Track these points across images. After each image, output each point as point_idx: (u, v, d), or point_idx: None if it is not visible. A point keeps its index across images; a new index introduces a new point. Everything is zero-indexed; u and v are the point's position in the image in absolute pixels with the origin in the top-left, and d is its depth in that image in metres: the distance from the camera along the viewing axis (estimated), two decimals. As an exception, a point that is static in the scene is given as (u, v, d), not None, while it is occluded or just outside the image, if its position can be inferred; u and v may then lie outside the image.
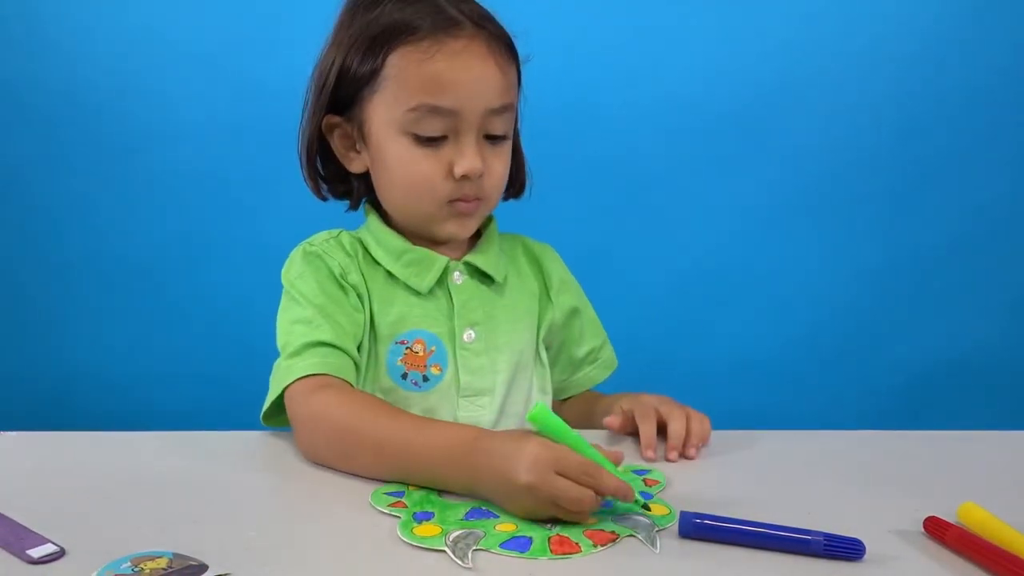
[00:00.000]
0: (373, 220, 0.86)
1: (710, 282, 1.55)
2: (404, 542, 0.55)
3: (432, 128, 0.78)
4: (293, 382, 0.73)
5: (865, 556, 0.52)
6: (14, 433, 0.77)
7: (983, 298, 1.54)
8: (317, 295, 0.80)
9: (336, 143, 0.84)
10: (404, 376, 0.81)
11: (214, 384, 1.44)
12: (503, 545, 0.54)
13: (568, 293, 0.92)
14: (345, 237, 0.86)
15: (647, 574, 0.52)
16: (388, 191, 0.83)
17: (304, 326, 0.78)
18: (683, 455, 0.73)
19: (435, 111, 0.77)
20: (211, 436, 0.78)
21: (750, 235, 1.54)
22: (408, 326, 0.82)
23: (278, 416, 0.77)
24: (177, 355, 1.51)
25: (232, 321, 1.48)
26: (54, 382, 1.52)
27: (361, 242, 0.85)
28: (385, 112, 0.79)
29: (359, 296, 0.82)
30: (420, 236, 0.84)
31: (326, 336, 0.77)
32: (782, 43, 1.48)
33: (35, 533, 0.56)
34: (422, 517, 0.58)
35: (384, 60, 0.78)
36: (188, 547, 0.53)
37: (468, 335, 0.83)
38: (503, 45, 0.81)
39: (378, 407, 0.72)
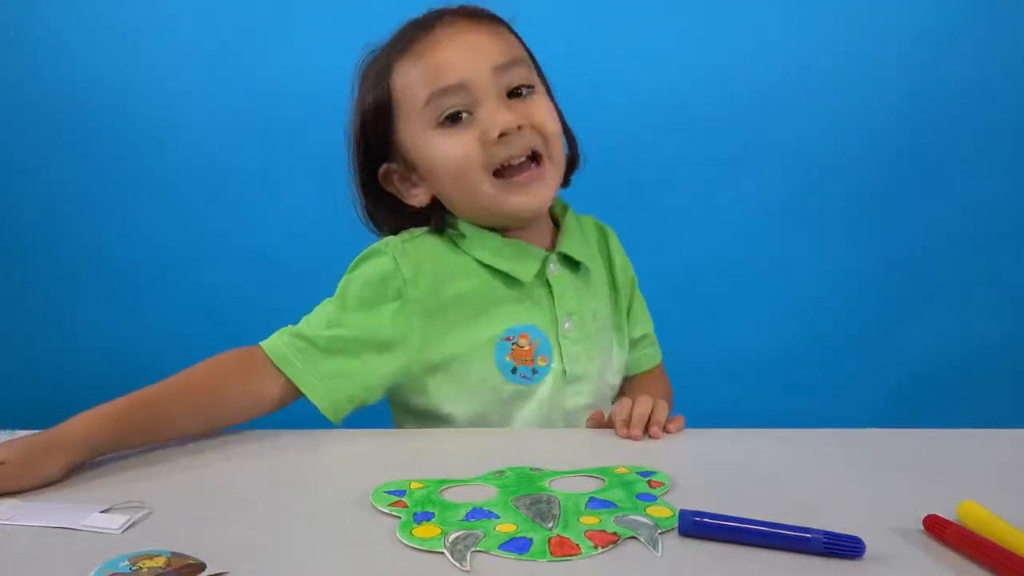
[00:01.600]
0: (464, 225, 0.85)
1: (710, 282, 1.55)
2: (403, 543, 0.54)
3: (450, 105, 0.79)
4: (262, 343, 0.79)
5: (865, 554, 0.52)
6: (15, 433, 0.76)
7: (982, 298, 1.54)
8: (352, 298, 0.81)
9: (398, 188, 0.86)
10: (514, 371, 0.83)
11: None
12: (503, 547, 0.54)
13: (628, 274, 0.97)
14: (428, 239, 0.84)
15: (647, 572, 0.51)
16: (449, 193, 0.83)
17: (319, 317, 0.81)
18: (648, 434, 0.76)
19: (445, 92, 0.78)
20: (210, 435, 0.78)
21: (750, 235, 1.54)
22: (512, 321, 0.83)
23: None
24: (177, 355, 1.51)
25: (232, 321, 1.47)
26: (54, 382, 1.52)
27: (452, 242, 0.85)
28: (411, 127, 0.81)
29: (410, 312, 0.80)
30: (505, 230, 0.85)
31: (320, 337, 0.79)
32: (782, 43, 1.48)
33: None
34: (422, 517, 0.58)
35: (389, 87, 0.82)
36: (186, 546, 0.53)
37: (567, 325, 0.85)
38: (487, 17, 0.83)
39: (192, 371, 0.76)
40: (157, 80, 1.48)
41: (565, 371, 0.85)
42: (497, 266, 0.83)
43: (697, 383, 1.51)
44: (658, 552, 0.54)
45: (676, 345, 1.54)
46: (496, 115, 0.78)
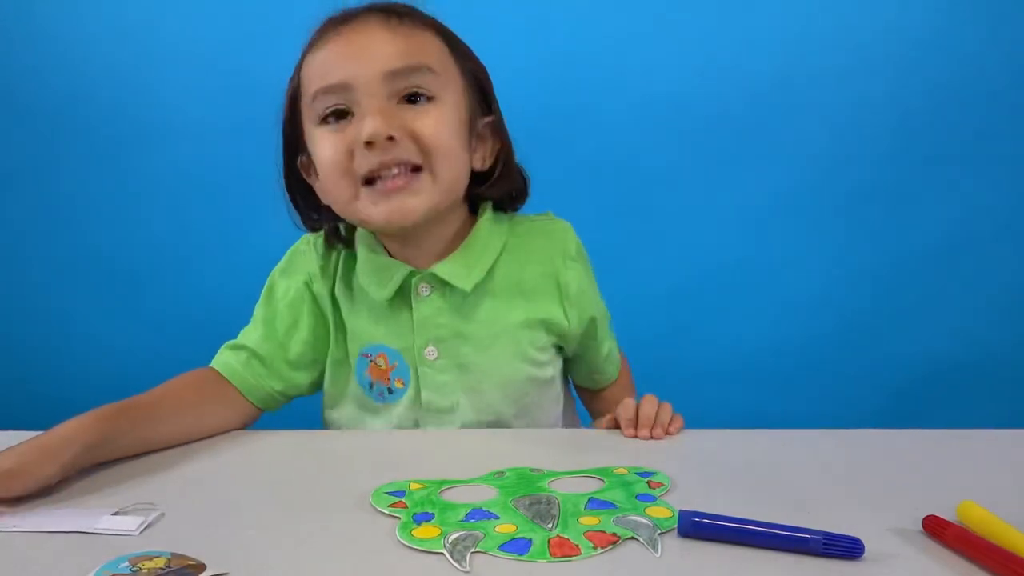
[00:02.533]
0: (360, 233, 0.85)
1: (710, 282, 1.55)
2: (403, 544, 0.55)
3: (328, 104, 0.75)
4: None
5: (864, 555, 0.52)
6: (12, 433, 0.76)
7: (983, 298, 1.54)
8: (273, 298, 0.85)
9: (312, 179, 0.83)
10: (371, 386, 0.83)
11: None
12: (502, 547, 0.54)
13: (586, 301, 0.86)
14: (334, 249, 0.86)
15: (646, 573, 0.51)
16: (326, 192, 0.80)
17: (250, 325, 0.85)
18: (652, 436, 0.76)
19: (327, 90, 0.74)
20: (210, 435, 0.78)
21: (750, 235, 1.54)
22: (373, 339, 0.82)
23: None
24: (175, 355, 1.51)
25: (232, 321, 1.47)
26: (54, 382, 1.52)
27: (352, 253, 0.85)
28: (304, 116, 0.79)
29: (319, 303, 0.84)
30: (392, 240, 0.82)
31: (251, 341, 0.83)
32: (781, 43, 1.48)
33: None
34: (422, 518, 0.58)
35: (299, 77, 0.79)
36: (186, 546, 0.53)
37: (430, 352, 0.81)
38: (410, 19, 0.77)
39: (164, 385, 0.78)
40: (157, 80, 1.48)
41: (422, 399, 0.81)
42: (361, 280, 0.81)
43: (697, 383, 1.51)
44: (657, 553, 0.53)
45: (676, 345, 1.55)
46: (367, 120, 0.72)
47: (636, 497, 0.61)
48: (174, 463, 0.71)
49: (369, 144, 0.72)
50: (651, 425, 0.77)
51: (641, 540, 0.55)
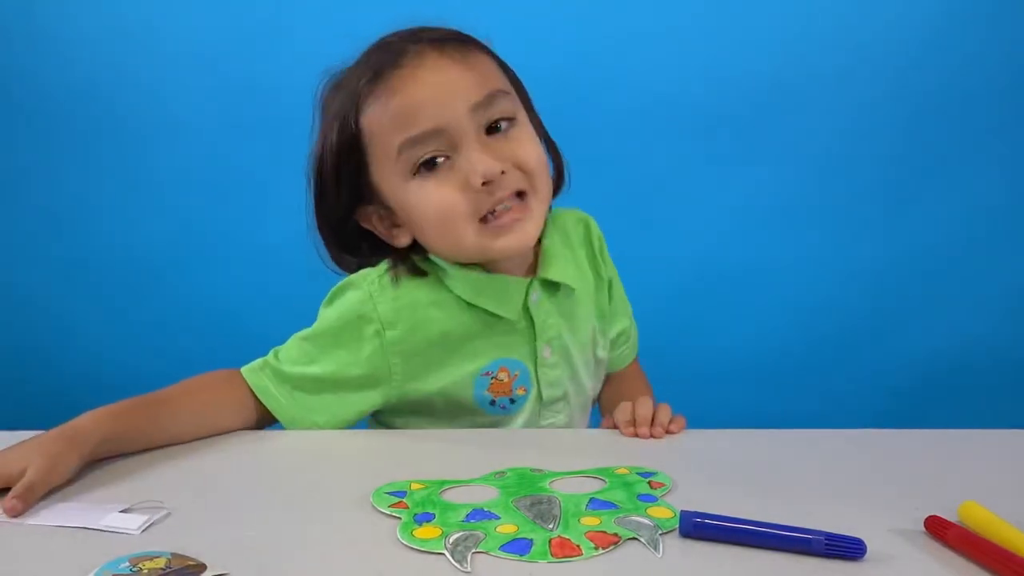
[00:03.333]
0: (441, 263, 0.81)
1: (710, 282, 1.55)
2: (404, 544, 0.54)
3: (423, 153, 0.74)
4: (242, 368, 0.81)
5: (866, 555, 0.52)
6: (12, 434, 0.76)
7: (983, 297, 1.54)
8: (329, 337, 0.80)
9: (377, 227, 0.82)
10: (492, 403, 0.83)
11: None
12: (503, 547, 0.54)
13: (608, 271, 0.92)
14: (404, 274, 0.81)
15: (648, 573, 0.51)
16: (431, 240, 0.79)
17: (299, 353, 0.80)
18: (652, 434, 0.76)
19: (418, 140, 0.74)
20: (210, 435, 0.78)
21: (750, 235, 1.54)
22: (492, 356, 0.82)
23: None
24: (176, 355, 1.51)
25: (231, 321, 1.48)
26: (54, 382, 1.51)
27: (436, 278, 0.81)
28: (385, 173, 0.77)
29: (388, 352, 0.79)
30: (486, 263, 0.80)
31: (302, 375, 0.80)
32: (781, 43, 1.48)
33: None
34: (423, 519, 0.58)
35: (358, 126, 0.77)
36: (186, 547, 0.53)
37: (547, 352, 0.84)
38: (461, 46, 0.77)
39: (182, 383, 0.78)
40: (157, 80, 1.48)
41: (542, 396, 0.84)
42: (481, 305, 0.80)
43: (697, 383, 1.51)
44: (659, 553, 0.53)
45: (677, 345, 1.55)
46: (477, 162, 0.73)
47: (637, 497, 0.61)
48: (174, 463, 0.71)
49: (485, 183, 0.73)
50: (649, 423, 0.77)
51: (642, 540, 0.55)
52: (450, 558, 0.52)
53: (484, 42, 0.81)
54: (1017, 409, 1.50)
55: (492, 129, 0.76)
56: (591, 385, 0.91)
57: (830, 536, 0.52)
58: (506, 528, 0.56)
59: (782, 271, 1.54)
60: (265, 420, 0.82)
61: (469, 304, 0.80)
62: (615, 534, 0.55)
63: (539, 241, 0.83)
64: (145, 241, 1.52)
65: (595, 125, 1.49)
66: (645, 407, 0.78)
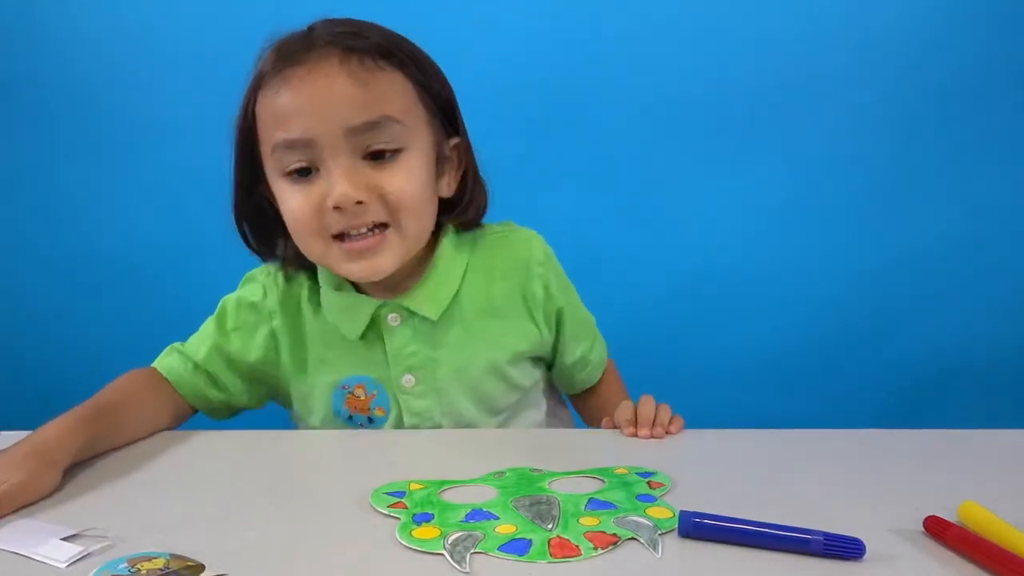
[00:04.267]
0: (320, 268, 0.83)
1: (710, 282, 1.54)
2: (403, 544, 0.54)
3: (291, 161, 0.73)
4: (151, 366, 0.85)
5: (865, 555, 0.52)
6: (12, 433, 0.76)
7: (983, 298, 1.54)
8: (228, 323, 0.85)
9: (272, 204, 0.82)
10: (350, 418, 0.84)
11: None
12: (502, 548, 0.54)
13: (551, 301, 0.85)
14: (302, 276, 0.85)
15: (647, 574, 0.51)
16: (293, 237, 0.78)
17: (200, 336, 0.86)
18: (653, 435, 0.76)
19: (289, 145, 0.72)
20: (210, 436, 0.78)
21: (750, 235, 1.54)
22: (348, 371, 0.82)
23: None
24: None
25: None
26: (52, 382, 1.51)
27: (313, 284, 0.85)
28: (266, 159, 0.77)
29: (278, 339, 0.83)
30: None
31: (198, 356, 0.84)
32: (782, 43, 1.48)
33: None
34: (422, 519, 0.58)
35: (254, 114, 0.77)
36: (185, 547, 0.53)
37: (407, 380, 0.82)
38: (369, 56, 0.73)
39: (128, 388, 0.80)
40: (157, 80, 1.48)
41: (404, 424, 0.83)
42: (329, 318, 0.82)
43: (697, 384, 1.51)
44: (658, 553, 0.53)
45: (676, 346, 1.55)
46: (334, 184, 0.71)
47: (636, 497, 0.61)
48: (173, 462, 0.71)
49: (338, 208, 0.72)
50: (651, 424, 0.77)
51: (642, 541, 0.55)
52: (449, 558, 0.52)
53: (406, 51, 0.76)
54: (1017, 409, 1.50)
55: (375, 155, 0.73)
56: (492, 423, 0.86)
57: (829, 536, 0.52)
58: (505, 528, 0.56)
59: (782, 271, 1.54)
60: (188, 414, 0.86)
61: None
62: (614, 534, 0.55)
63: (424, 263, 0.81)
64: (145, 241, 1.52)
65: (595, 125, 1.49)
66: (648, 407, 0.79)
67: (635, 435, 0.77)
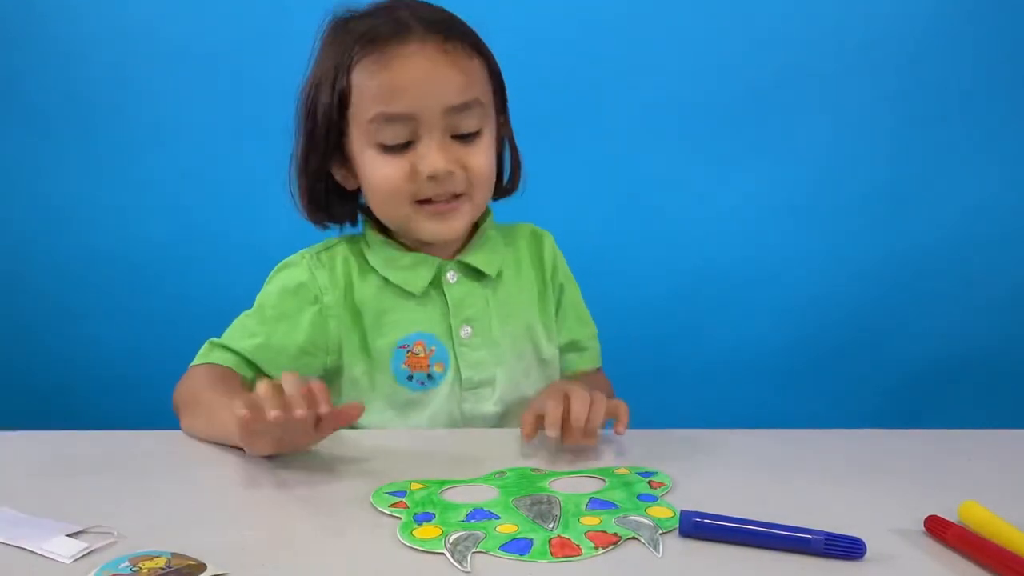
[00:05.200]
0: (369, 231, 0.88)
1: (710, 282, 1.54)
2: (404, 544, 0.54)
3: (392, 136, 0.80)
4: (195, 365, 0.84)
5: (866, 555, 0.52)
6: (14, 432, 0.77)
7: (983, 298, 1.54)
8: (270, 309, 0.85)
9: (347, 182, 0.87)
10: (410, 378, 0.85)
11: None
12: (503, 547, 0.54)
13: (556, 276, 0.95)
14: (341, 249, 0.88)
15: (648, 573, 0.51)
16: (370, 201, 0.86)
17: (241, 328, 0.85)
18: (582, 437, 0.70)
19: (392, 119, 0.79)
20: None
21: (750, 235, 1.54)
22: (407, 330, 0.86)
23: None
24: (177, 355, 1.51)
25: (231, 321, 1.48)
26: (54, 381, 1.51)
27: (361, 251, 0.88)
28: (356, 128, 0.82)
29: (330, 317, 0.84)
30: (413, 241, 0.87)
31: (246, 348, 0.83)
32: (782, 43, 1.48)
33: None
34: (423, 518, 0.58)
35: (349, 79, 0.81)
36: (186, 547, 0.53)
37: (465, 331, 0.87)
38: (461, 44, 0.81)
39: (216, 380, 0.80)
40: (157, 80, 1.48)
41: (462, 377, 0.86)
42: (390, 277, 0.86)
43: (697, 383, 1.51)
44: (659, 553, 0.53)
45: (676, 346, 1.55)
46: (430, 157, 0.79)
47: (637, 497, 0.61)
48: (174, 461, 0.71)
49: (431, 177, 0.80)
50: (581, 425, 0.70)
51: (642, 540, 0.55)
52: (450, 558, 0.52)
53: (481, 41, 0.85)
54: (1017, 409, 1.50)
55: (458, 136, 0.81)
56: (532, 387, 0.89)
57: (830, 536, 0.53)
58: (506, 528, 0.56)
59: (782, 271, 1.54)
60: None
61: (385, 278, 0.86)
62: (615, 534, 0.55)
63: (473, 231, 0.89)
64: (145, 241, 1.52)
65: (595, 125, 1.49)
66: (579, 403, 0.71)
67: (565, 441, 0.71)
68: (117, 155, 1.50)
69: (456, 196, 0.82)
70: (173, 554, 0.52)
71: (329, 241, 0.90)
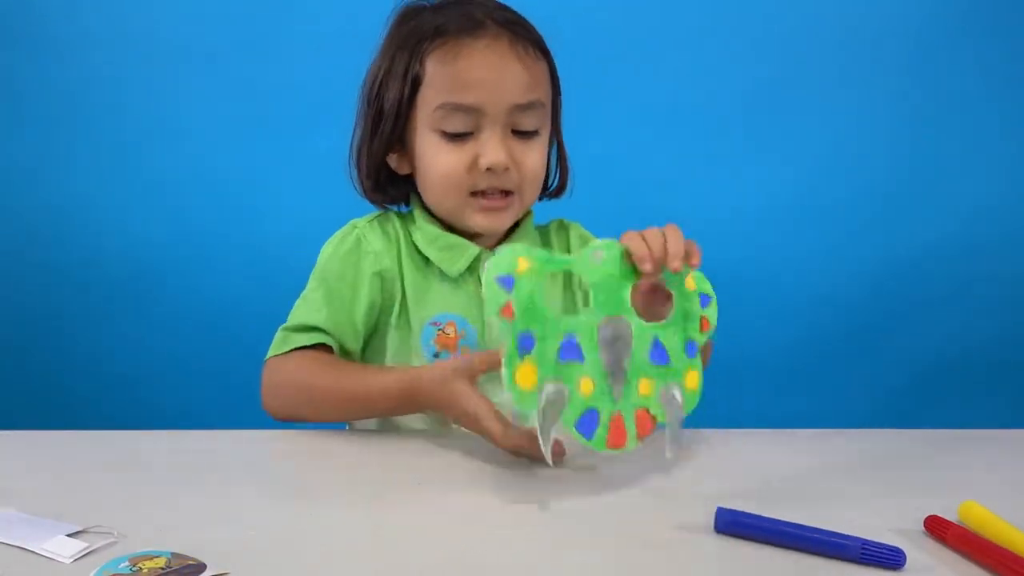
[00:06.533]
0: (417, 210, 0.90)
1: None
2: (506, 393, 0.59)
3: (456, 125, 0.82)
4: (275, 355, 0.83)
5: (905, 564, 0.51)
6: (14, 432, 0.77)
7: (983, 297, 1.54)
8: (331, 276, 0.86)
9: (399, 165, 0.89)
10: (436, 355, 0.87)
11: (214, 383, 1.44)
12: (576, 424, 0.61)
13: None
14: (394, 220, 0.91)
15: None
16: (424, 187, 0.87)
17: (306, 305, 0.86)
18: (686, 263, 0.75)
19: (459, 108, 0.81)
20: (210, 435, 0.78)
21: (750, 235, 1.54)
22: (441, 309, 0.87)
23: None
24: (177, 355, 1.51)
25: (231, 320, 1.48)
26: (54, 381, 1.51)
27: (407, 228, 0.90)
28: (420, 112, 0.84)
29: (385, 279, 0.87)
30: (459, 229, 0.89)
31: (319, 320, 0.84)
32: (782, 43, 1.48)
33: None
34: (525, 343, 0.60)
35: (422, 66, 0.83)
36: (186, 546, 0.53)
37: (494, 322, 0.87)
38: (529, 44, 0.84)
39: (335, 364, 0.83)
40: (158, 80, 1.48)
41: None
42: (431, 256, 0.88)
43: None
44: (670, 455, 0.64)
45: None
46: (491, 150, 0.82)
47: (685, 347, 0.68)
48: (174, 461, 0.71)
49: (489, 169, 0.82)
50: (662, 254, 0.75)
51: (666, 434, 0.65)
52: (539, 434, 0.60)
53: (547, 46, 0.88)
54: (1017, 409, 1.50)
55: (517, 132, 0.84)
56: None
57: (867, 543, 0.51)
58: (586, 385, 0.62)
59: (782, 271, 1.54)
60: None
61: (426, 257, 0.88)
62: (654, 416, 0.65)
63: (513, 227, 0.91)
64: (145, 241, 1.52)
65: (596, 125, 1.48)
66: (668, 237, 0.78)
67: (651, 271, 0.72)
68: (117, 155, 1.50)
69: (507, 193, 0.85)
70: (173, 554, 0.52)
71: (380, 213, 0.92)
